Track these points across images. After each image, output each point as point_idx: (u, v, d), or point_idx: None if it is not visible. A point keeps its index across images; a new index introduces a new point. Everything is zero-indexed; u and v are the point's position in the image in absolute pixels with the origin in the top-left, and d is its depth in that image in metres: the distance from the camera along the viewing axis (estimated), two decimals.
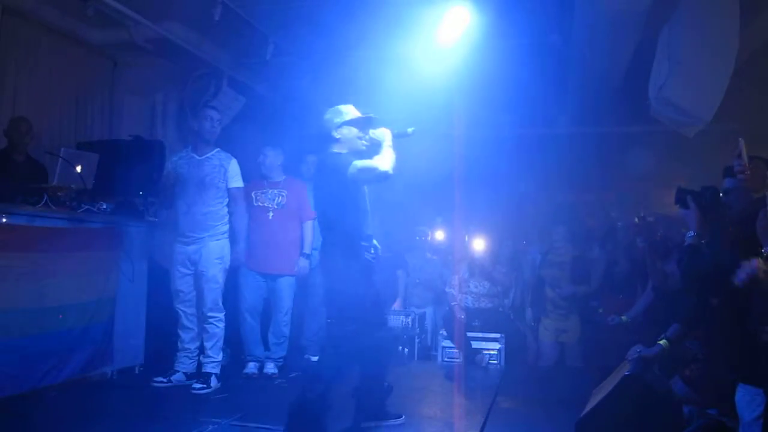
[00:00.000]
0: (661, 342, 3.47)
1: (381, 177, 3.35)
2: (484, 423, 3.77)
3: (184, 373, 4.55)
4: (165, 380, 4.48)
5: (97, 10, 4.95)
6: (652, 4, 4.55)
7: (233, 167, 4.60)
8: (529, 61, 5.65)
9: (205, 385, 4.37)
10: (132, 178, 4.74)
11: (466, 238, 6.41)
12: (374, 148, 3.49)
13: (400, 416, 3.69)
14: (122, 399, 4.24)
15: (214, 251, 4.51)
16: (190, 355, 4.59)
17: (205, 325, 4.54)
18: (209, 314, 4.52)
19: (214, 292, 4.52)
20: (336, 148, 3.52)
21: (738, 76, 4.54)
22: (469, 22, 5.16)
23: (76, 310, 4.22)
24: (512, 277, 6.36)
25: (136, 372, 4.80)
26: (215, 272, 4.51)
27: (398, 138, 3.50)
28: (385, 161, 3.37)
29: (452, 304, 5.94)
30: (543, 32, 5.45)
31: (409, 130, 3.55)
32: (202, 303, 4.53)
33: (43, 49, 5.42)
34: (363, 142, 3.54)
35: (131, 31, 5.37)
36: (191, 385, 4.40)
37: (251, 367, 4.97)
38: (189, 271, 4.53)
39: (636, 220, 4.98)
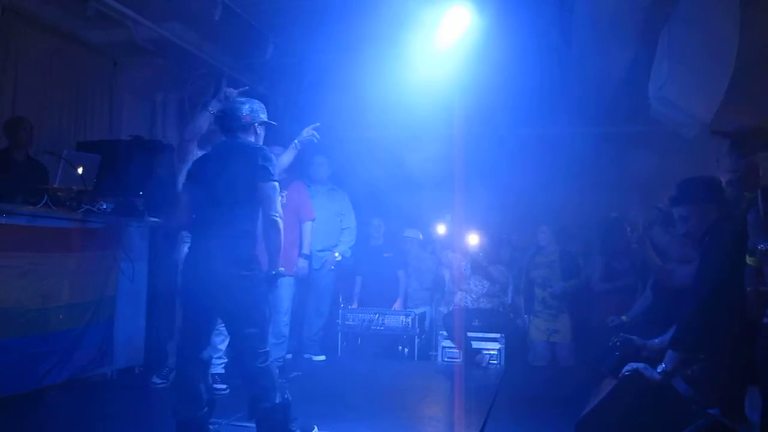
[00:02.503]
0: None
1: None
2: (484, 423, 3.77)
3: None
4: (164, 381, 4.47)
5: (97, 10, 4.94)
6: (652, 5, 4.55)
7: None
8: (529, 61, 5.65)
9: (227, 385, 4.38)
10: (132, 178, 4.74)
11: (466, 237, 6.40)
12: None
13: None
14: (122, 399, 4.24)
15: None
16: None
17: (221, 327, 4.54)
18: None
19: None
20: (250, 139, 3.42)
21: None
22: (469, 22, 5.16)
23: (76, 310, 4.23)
24: (509, 276, 6.36)
25: (136, 372, 4.80)
26: None
27: None
28: None
29: (451, 303, 5.93)
30: (543, 32, 5.45)
31: None
32: None
33: (43, 49, 5.42)
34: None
35: (131, 31, 5.37)
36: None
37: None
38: None
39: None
